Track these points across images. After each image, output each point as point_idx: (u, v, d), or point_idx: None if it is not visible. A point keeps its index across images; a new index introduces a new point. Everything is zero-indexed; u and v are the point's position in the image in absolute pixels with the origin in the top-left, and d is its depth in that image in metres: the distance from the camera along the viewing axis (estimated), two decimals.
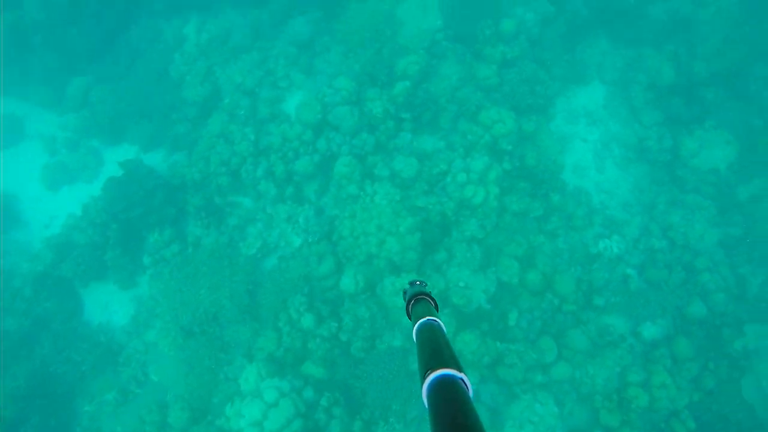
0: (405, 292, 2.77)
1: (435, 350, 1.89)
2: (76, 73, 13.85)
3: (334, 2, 13.08)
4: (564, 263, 10.93)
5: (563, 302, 10.42)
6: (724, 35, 12.80)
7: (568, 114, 12.77)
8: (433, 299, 2.57)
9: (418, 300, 2.54)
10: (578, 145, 12.63)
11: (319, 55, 12.55)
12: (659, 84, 12.44)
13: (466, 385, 1.63)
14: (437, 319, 2.23)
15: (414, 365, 10.20)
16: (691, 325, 10.72)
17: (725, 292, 10.90)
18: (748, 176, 12.39)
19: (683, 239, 11.32)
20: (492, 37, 12.14)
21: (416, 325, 2.23)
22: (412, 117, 11.62)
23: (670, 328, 10.80)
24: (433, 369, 1.68)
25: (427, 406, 1.59)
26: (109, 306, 12.54)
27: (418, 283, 2.85)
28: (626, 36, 13.09)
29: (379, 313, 10.60)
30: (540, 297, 10.51)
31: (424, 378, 1.68)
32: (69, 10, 13.29)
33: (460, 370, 1.68)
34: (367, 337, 10.44)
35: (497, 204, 10.85)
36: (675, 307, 10.82)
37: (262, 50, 12.90)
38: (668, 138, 11.99)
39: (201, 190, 11.80)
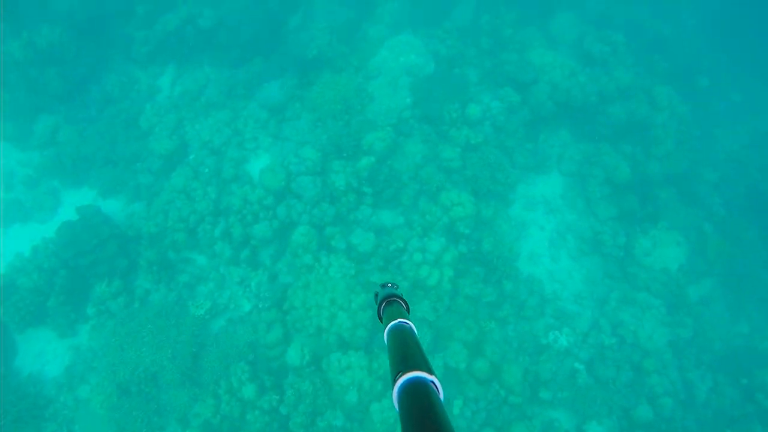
0: (377, 294, 2.76)
1: (406, 353, 1.89)
2: (45, 112, 13.74)
3: (310, 71, 13.41)
4: (513, 352, 10.92)
5: (509, 394, 10.33)
6: (677, 139, 13.45)
7: (527, 201, 13.09)
8: (404, 301, 2.58)
9: (390, 302, 2.54)
10: (535, 233, 12.90)
11: (289, 120, 12.72)
12: (615, 180, 12.90)
13: (436, 387, 1.62)
14: (408, 322, 2.24)
15: None
16: (637, 428, 10.70)
17: (673, 396, 10.97)
18: (697, 277, 12.79)
19: (633, 338, 11.47)
20: (458, 120, 12.53)
21: (387, 327, 2.22)
22: (374, 192, 11.77)
23: (615, 429, 10.79)
24: (404, 371, 1.67)
25: (397, 409, 1.59)
26: (43, 354, 11.95)
27: (389, 285, 2.87)
28: (586, 130, 13.67)
29: (322, 389, 10.33)
30: (486, 386, 10.42)
31: (394, 380, 1.68)
32: (50, 51, 13.30)
33: (431, 372, 1.67)
34: (308, 413, 10.14)
35: (451, 287, 10.89)
36: (621, 407, 10.83)
37: (233, 109, 13.04)
38: (622, 235, 12.36)
39: (156, 244, 11.59)
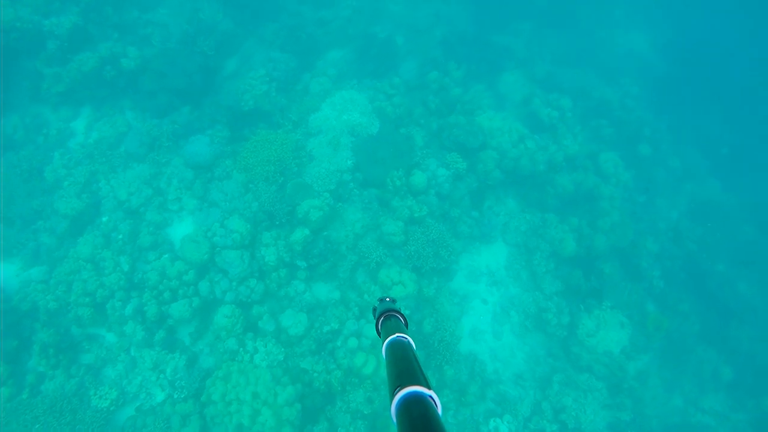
0: (375, 309, 2.78)
1: (404, 368, 1.90)
2: None
3: (244, 124, 12.36)
4: None
5: None
6: (622, 210, 13.32)
7: (470, 271, 12.53)
8: (403, 316, 2.61)
9: (388, 316, 2.58)
10: (478, 306, 12.34)
11: (218, 180, 11.57)
12: (561, 254, 12.57)
13: (435, 402, 1.64)
14: (407, 336, 2.25)
15: None
16: None
17: None
18: (636, 353, 12.60)
19: (575, 423, 11.06)
20: (402, 188, 11.80)
21: (386, 342, 2.24)
22: (309, 266, 10.82)
23: None
24: (403, 386, 1.69)
25: (395, 423, 1.60)
26: None
27: (387, 299, 2.88)
28: (533, 199, 13.30)
29: None
30: None
31: (393, 395, 1.70)
32: None
33: (429, 387, 1.69)
34: None
35: None
36: None
37: (156, 164, 11.75)
38: (566, 313, 11.98)
39: (55, 322, 10.13)
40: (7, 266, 10.98)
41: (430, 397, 1.65)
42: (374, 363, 9.94)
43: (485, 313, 12.35)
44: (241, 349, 9.89)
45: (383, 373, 10.01)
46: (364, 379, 9.98)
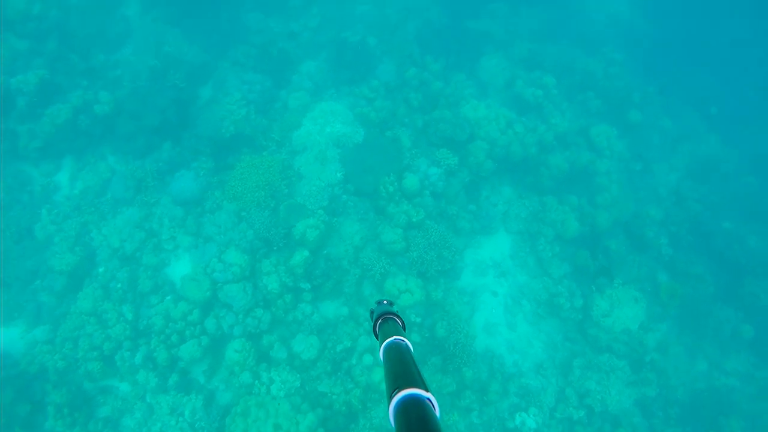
0: (372, 312, 2.78)
1: (402, 370, 1.90)
2: None
3: (227, 152, 12.16)
4: None
5: None
6: (620, 182, 13.11)
7: (476, 266, 12.36)
8: (400, 319, 2.60)
9: (386, 319, 2.57)
10: (488, 300, 12.17)
11: (209, 213, 11.39)
12: (565, 236, 12.39)
13: (432, 404, 1.64)
14: (404, 339, 2.25)
15: None
16: None
17: None
18: (654, 323, 12.44)
19: (601, 406, 10.93)
20: (395, 194, 11.61)
21: (383, 345, 2.23)
22: (313, 286, 10.68)
23: None
24: (400, 388, 1.69)
25: (393, 425, 1.59)
26: None
27: (385, 302, 2.87)
28: (529, 184, 13.09)
29: None
30: None
31: (391, 397, 1.70)
32: None
33: (426, 390, 1.69)
34: None
35: None
36: None
37: (144, 205, 11.57)
38: (578, 296, 11.82)
39: (66, 381, 10.03)
40: (10, 330, 10.86)
41: (428, 399, 1.65)
42: None
43: (497, 306, 12.19)
44: (257, 381, 9.78)
45: None
46: (383, 393, 9.84)
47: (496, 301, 12.23)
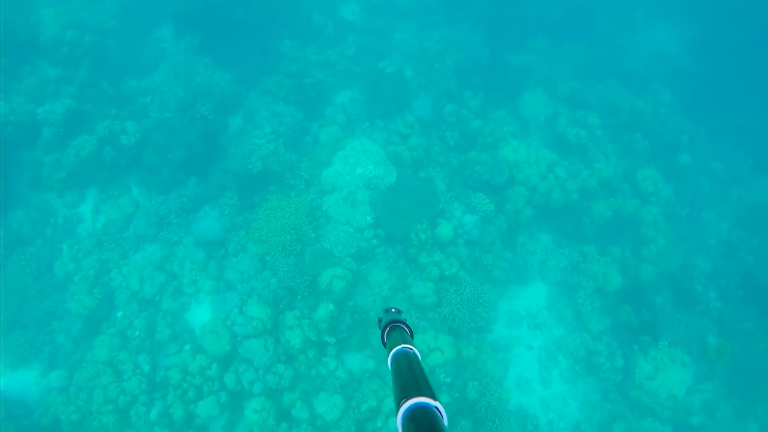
0: (380, 320, 2.75)
1: (410, 379, 1.87)
2: None
3: (254, 189, 11.69)
4: None
5: None
6: (667, 232, 12.30)
7: (510, 318, 11.66)
8: (408, 327, 2.57)
9: (394, 327, 2.55)
10: (522, 353, 11.47)
11: (233, 256, 10.91)
12: (606, 289, 11.63)
13: (441, 413, 1.60)
14: (413, 347, 2.22)
15: None
16: None
17: None
18: (700, 383, 11.61)
19: None
20: (427, 243, 10.98)
21: (391, 353, 2.19)
22: (337, 340, 10.12)
23: None
24: (409, 397, 1.65)
25: None
26: None
27: (393, 310, 2.83)
28: (569, 232, 12.34)
29: None
30: None
31: (399, 406, 1.66)
32: None
33: (435, 398, 1.66)
34: None
35: None
36: None
37: (167, 244, 11.14)
38: (619, 356, 11.04)
39: None
40: (25, 374, 10.54)
41: (436, 408, 1.61)
42: None
43: (531, 360, 11.49)
44: None
45: None
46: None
47: (530, 355, 11.52)
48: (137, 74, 13.39)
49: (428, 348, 9.97)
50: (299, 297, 10.34)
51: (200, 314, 10.60)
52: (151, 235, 11.38)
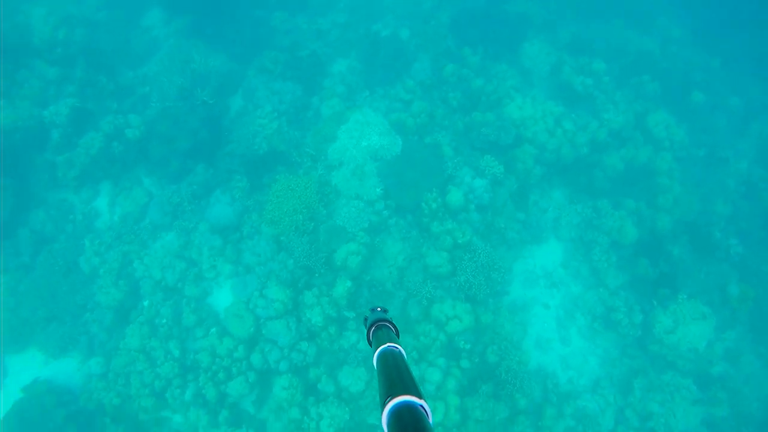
0: (366, 319, 2.77)
1: (396, 377, 1.90)
2: None
3: (262, 171, 11.76)
4: None
5: None
6: (683, 179, 12.08)
7: (525, 278, 11.76)
8: (394, 326, 2.60)
9: (380, 326, 2.56)
10: (540, 313, 11.61)
11: (248, 239, 11.14)
12: (621, 243, 11.57)
13: (426, 411, 1.63)
14: (398, 346, 2.23)
15: None
16: None
17: None
18: (722, 332, 11.61)
19: (665, 429, 10.37)
20: (439, 210, 11.01)
21: (377, 352, 2.22)
22: (357, 314, 10.38)
23: None
24: (394, 396, 1.67)
25: None
26: None
27: (379, 309, 2.86)
28: (582, 186, 12.20)
29: None
30: None
31: (384, 404, 1.68)
32: None
33: (420, 397, 1.69)
34: None
35: (459, 416, 9.67)
36: None
37: (183, 232, 11.40)
38: (638, 311, 11.07)
39: (122, 416, 10.25)
40: (67, 362, 11.13)
41: (421, 406, 1.64)
42: (442, 409, 9.57)
43: (549, 319, 11.64)
44: (306, 417, 9.68)
45: (454, 415, 9.62)
46: (435, 426, 9.59)
47: (547, 314, 11.67)
48: (132, 64, 13.34)
49: (446, 317, 10.15)
50: (316, 275, 10.56)
51: (222, 297, 10.95)
52: (167, 224, 11.64)
